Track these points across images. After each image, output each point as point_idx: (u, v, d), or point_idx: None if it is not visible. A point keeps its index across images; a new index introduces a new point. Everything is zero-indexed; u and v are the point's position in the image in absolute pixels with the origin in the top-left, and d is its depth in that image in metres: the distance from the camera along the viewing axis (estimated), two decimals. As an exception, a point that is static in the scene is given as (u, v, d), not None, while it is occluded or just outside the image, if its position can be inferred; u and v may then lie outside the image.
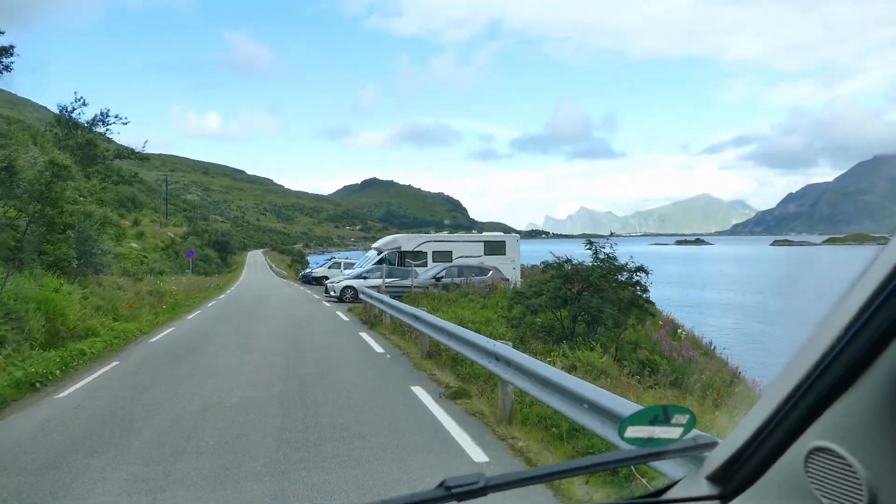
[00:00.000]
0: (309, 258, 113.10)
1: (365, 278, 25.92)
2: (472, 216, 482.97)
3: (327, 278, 36.25)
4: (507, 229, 67.38)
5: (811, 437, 0.91)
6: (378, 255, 29.65)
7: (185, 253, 51.37)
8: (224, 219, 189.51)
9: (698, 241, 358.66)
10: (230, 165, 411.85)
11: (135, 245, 51.91)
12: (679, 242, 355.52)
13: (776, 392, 0.95)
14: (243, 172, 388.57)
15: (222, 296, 32.43)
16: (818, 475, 0.89)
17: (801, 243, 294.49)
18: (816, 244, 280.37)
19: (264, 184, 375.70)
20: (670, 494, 1.19)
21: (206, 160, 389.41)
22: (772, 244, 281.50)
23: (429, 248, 29.67)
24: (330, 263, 41.85)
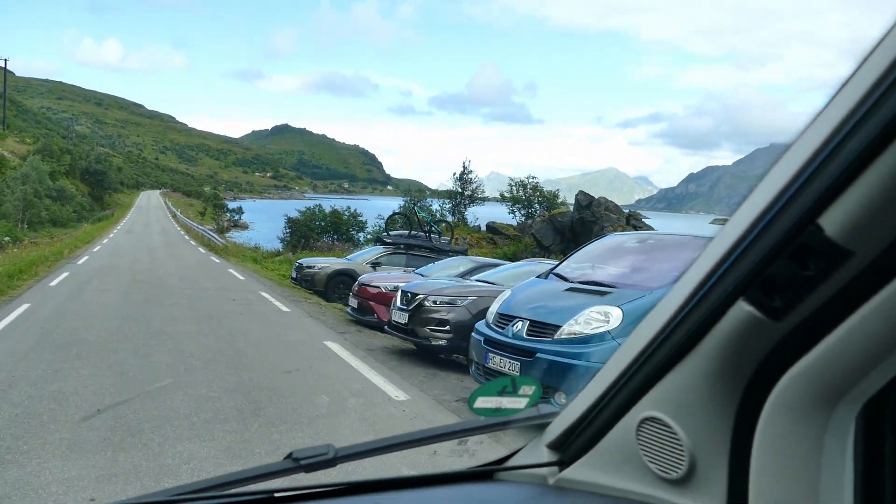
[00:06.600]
0: (228, 203, 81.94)
1: None
2: (387, 171, 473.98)
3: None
4: (421, 187, 62.55)
5: (643, 408, 0.97)
6: None
7: None
8: (116, 153, 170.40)
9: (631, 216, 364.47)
10: (128, 98, 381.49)
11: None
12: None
13: (615, 364, 1.00)
14: (142, 107, 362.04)
15: None
16: (647, 443, 0.97)
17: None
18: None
19: (165, 120, 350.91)
20: (512, 461, 1.22)
21: (102, 91, 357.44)
22: (711, 223, 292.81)
23: None
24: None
